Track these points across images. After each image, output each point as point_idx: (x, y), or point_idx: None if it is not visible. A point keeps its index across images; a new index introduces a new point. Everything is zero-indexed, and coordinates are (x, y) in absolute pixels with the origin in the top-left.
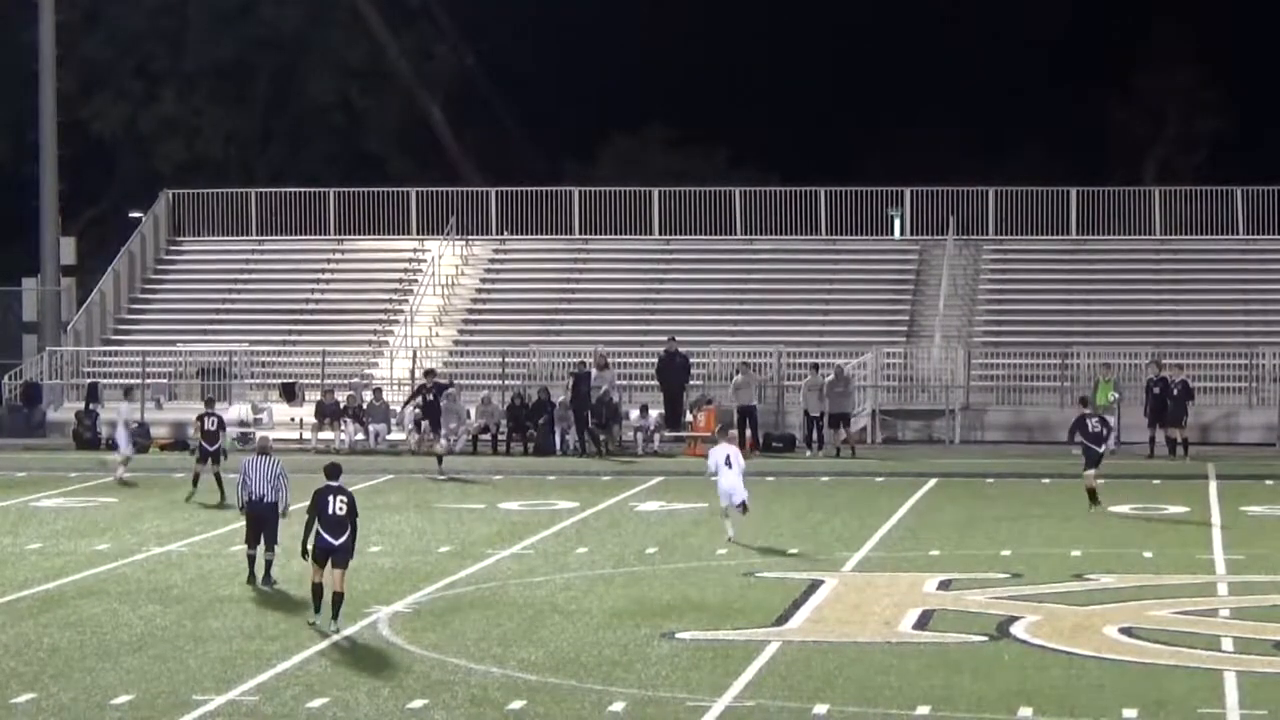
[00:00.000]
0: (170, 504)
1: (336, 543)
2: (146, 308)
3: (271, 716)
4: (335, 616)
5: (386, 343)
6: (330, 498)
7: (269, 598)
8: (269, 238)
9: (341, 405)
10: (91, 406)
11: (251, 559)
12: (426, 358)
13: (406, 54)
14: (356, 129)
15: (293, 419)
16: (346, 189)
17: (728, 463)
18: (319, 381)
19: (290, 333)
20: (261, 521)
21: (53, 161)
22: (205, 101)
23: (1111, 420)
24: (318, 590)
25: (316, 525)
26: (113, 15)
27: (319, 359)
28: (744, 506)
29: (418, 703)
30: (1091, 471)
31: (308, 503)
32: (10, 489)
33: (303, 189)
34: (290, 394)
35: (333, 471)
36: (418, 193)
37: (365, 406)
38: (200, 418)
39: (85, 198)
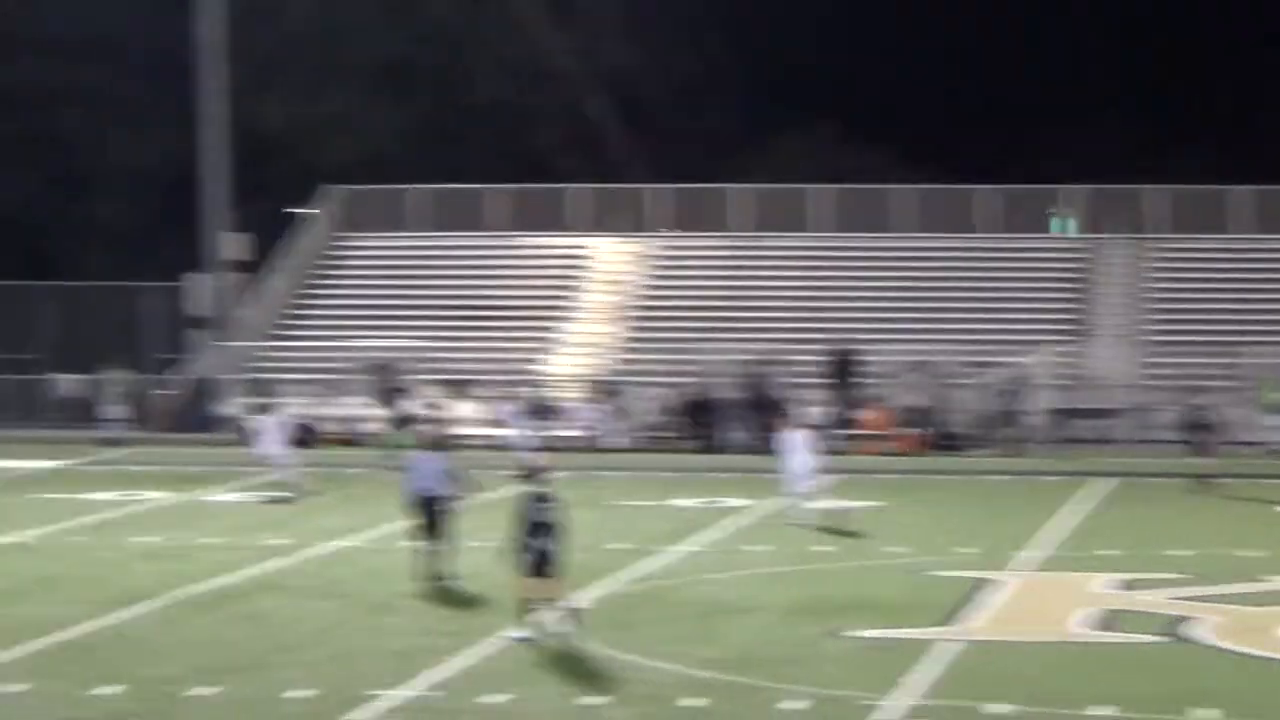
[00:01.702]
0: (344, 499)
1: (547, 550)
2: (314, 304)
3: (448, 711)
4: (574, 621)
5: (554, 339)
6: (537, 503)
7: (442, 593)
8: (435, 234)
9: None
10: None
11: (423, 554)
12: (596, 354)
13: (571, 51)
14: (522, 125)
15: (465, 415)
16: (512, 185)
17: (799, 449)
18: (487, 378)
19: (457, 328)
20: (431, 515)
21: (220, 157)
22: (371, 97)
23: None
24: (525, 604)
25: (525, 534)
26: (278, 10)
27: (487, 355)
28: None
29: (592, 699)
30: (1200, 460)
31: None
32: (182, 483)
33: (469, 185)
34: (459, 390)
35: (535, 475)
36: (582, 189)
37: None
38: (427, 405)
39: (251, 193)
